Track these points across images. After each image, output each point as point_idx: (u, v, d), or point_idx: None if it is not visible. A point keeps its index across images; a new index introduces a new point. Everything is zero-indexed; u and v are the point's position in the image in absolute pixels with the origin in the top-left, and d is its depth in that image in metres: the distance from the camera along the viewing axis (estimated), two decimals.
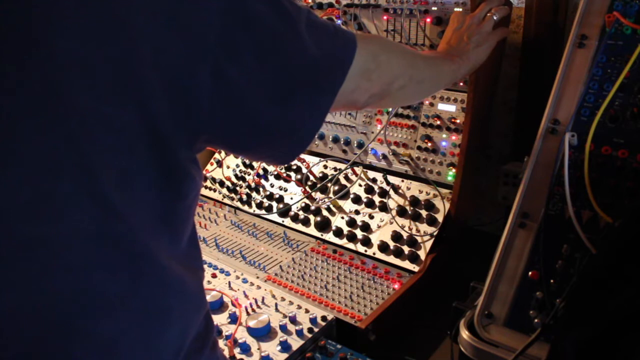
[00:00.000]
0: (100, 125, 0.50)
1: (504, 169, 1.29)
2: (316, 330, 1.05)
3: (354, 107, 0.93)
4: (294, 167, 1.56)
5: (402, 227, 1.30)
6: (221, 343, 1.03)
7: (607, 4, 0.96)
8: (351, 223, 1.38)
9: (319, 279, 1.25)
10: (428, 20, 1.25)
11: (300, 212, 1.48)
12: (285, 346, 1.01)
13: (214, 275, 1.26)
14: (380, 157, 1.43)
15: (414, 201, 1.32)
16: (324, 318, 1.09)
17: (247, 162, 1.67)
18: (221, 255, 1.38)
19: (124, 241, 0.54)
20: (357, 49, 0.69)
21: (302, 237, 1.44)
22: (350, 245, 1.36)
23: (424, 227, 1.29)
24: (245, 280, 1.24)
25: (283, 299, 1.15)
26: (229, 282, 1.22)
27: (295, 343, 1.03)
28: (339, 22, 1.41)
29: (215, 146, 0.66)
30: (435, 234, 1.27)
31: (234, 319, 1.10)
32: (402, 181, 1.38)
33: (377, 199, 1.39)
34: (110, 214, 0.52)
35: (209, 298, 1.14)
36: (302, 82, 0.62)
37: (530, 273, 0.89)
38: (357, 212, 1.40)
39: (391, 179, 1.39)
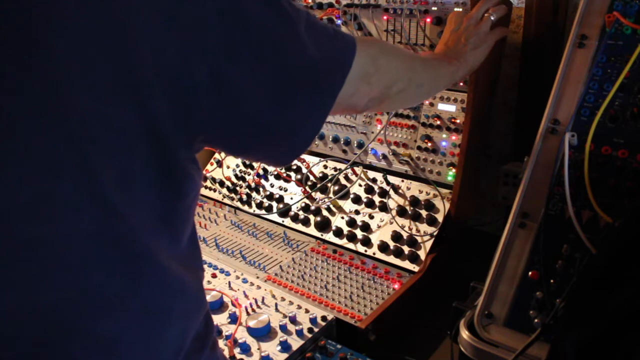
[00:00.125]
0: (100, 125, 0.50)
1: (504, 169, 1.29)
2: (316, 330, 1.05)
3: (353, 111, 0.93)
4: (294, 167, 1.56)
5: (402, 227, 1.30)
6: (221, 343, 1.03)
7: (607, 4, 0.96)
8: (351, 223, 1.38)
9: (319, 279, 1.25)
10: (428, 20, 1.25)
11: (300, 212, 1.48)
12: (285, 346, 1.01)
13: (214, 275, 1.26)
14: (380, 157, 1.43)
15: (414, 201, 1.32)
16: (324, 318, 1.09)
17: (247, 162, 1.67)
18: (221, 255, 1.38)
19: (124, 241, 0.54)
20: (357, 51, 0.69)
21: (302, 237, 1.44)
22: (350, 245, 1.36)
23: (424, 227, 1.29)
24: (245, 280, 1.24)
25: (283, 299, 1.15)
26: (229, 282, 1.22)
27: (295, 343, 1.03)
28: (339, 22, 1.41)
29: (214, 146, 0.66)
30: (435, 234, 1.27)
31: (234, 319, 1.10)
32: (402, 181, 1.38)
33: (377, 199, 1.39)
34: (110, 214, 0.52)
35: (209, 298, 1.14)
36: (301, 83, 0.62)
37: (530, 273, 0.89)
38: (357, 212, 1.40)
39: (391, 179, 1.39)
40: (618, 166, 0.89)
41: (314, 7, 1.44)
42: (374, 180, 1.42)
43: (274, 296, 1.17)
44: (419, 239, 1.28)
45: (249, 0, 0.56)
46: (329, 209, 1.45)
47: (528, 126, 1.09)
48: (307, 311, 1.11)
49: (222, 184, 1.68)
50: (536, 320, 0.85)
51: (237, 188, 1.64)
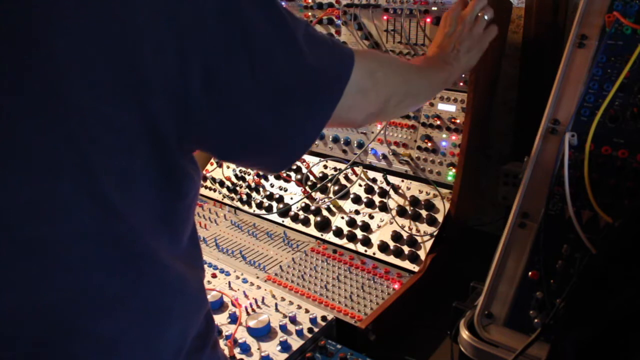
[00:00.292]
0: (100, 125, 0.50)
1: (504, 169, 1.29)
2: (316, 330, 1.05)
3: (351, 125, 0.93)
4: (294, 167, 1.56)
5: (402, 227, 1.30)
6: (221, 343, 1.03)
7: (607, 4, 0.96)
8: (351, 223, 1.38)
9: (319, 279, 1.25)
10: (428, 20, 1.25)
11: (300, 212, 1.48)
12: (285, 346, 1.01)
13: (214, 275, 1.26)
14: (380, 157, 1.43)
15: (414, 201, 1.32)
16: (324, 318, 1.09)
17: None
18: (221, 255, 1.38)
19: (124, 241, 0.54)
20: (355, 64, 0.68)
21: (302, 237, 1.44)
22: (350, 245, 1.36)
23: (424, 227, 1.29)
24: (245, 280, 1.24)
25: (283, 299, 1.15)
26: (229, 282, 1.22)
27: (295, 343, 1.03)
28: (339, 22, 1.41)
29: (208, 151, 0.64)
30: (435, 234, 1.27)
31: (234, 319, 1.10)
32: (402, 181, 1.38)
33: (377, 199, 1.39)
34: (110, 214, 0.52)
35: (209, 298, 1.13)
36: (298, 92, 0.61)
37: (530, 273, 0.89)
38: (357, 212, 1.40)
39: (391, 179, 1.39)
40: (618, 166, 0.89)
41: (314, 7, 1.44)
42: (374, 180, 1.42)
43: (274, 296, 1.17)
44: (419, 239, 1.28)
45: (249, 4, 0.56)
46: (329, 209, 1.45)
47: (528, 126, 1.09)
48: (307, 311, 1.11)
49: (222, 184, 1.68)
50: (536, 320, 0.85)
51: (237, 188, 1.64)
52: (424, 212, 1.31)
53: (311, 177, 1.51)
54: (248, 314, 1.11)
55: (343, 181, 1.47)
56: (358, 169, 1.44)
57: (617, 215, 0.84)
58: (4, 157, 0.48)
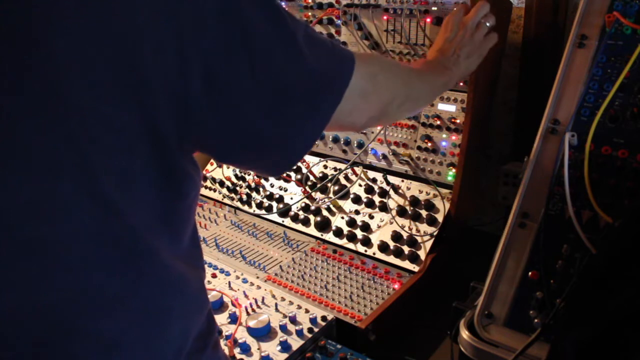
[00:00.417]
0: (100, 125, 0.50)
1: (504, 169, 1.29)
2: (316, 330, 1.05)
3: (352, 129, 0.93)
4: (294, 167, 1.56)
5: (402, 227, 1.30)
6: (221, 343, 1.03)
7: (607, 4, 0.96)
8: (351, 223, 1.38)
9: (319, 279, 1.25)
10: (428, 20, 1.25)
11: (300, 212, 1.48)
12: (285, 346, 1.01)
13: (214, 275, 1.26)
14: (380, 157, 1.43)
15: (414, 201, 1.32)
16: (324, 318, 1.09)
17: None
18: (221, 255, 1.38)
19: (124, 241, 0.54)
20: (356, 67, 0.67)
21: (302, 237, 1.44)
22: (350, 245, 1.36)
23: (424, 227, 1.29)
24: (245, 280, 1.24)
25: (283, 299, 1.15)
26: (229, 282, 1.22)
27: (295, 343, 1.03)
28: (339, 22, 1.41)
29: (208, 152, 0.64)
30: (435, 234, 1.27)
31: (234, 319, 1.10)
32: (402, 181, 1.38)
33: (377, 199, 1.39)
34: (110, 214, 0.52)
35: (209, 298, 1.14)
36: (297, 94, 0.61)
37: (530, 273, 0.89)
38: (357, 212, 1.40)
39: (391, 179, 1.39)
40: (618, 166, 0.89)
41: (314, 7, 1.44)
42: (374, 180, 1.42)
43: (274, 296, 1.17)
44: (419, 239, 1.28)
45: (249, 4, 0.56)
46: (329, 209, 1.45)
47: (528, 126, 1.09)
48: (307, 311, 1.11)
49: (222, 184, 1.68)
50: (536, 320, 0.85)
51: (237, 188, 1.64)
52: (424, 212, 1.31)
53: (311, 177, 1.51)
54: (248, 314, 1.11)
55: (343, 181, 1.47)
56: (358, 169, 1.44)
57: (617, 215, 0.84)
58: (4, 157, 0.48)
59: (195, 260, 0.67)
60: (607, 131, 0.91)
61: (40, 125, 0.48)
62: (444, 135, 1.32)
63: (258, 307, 1.14)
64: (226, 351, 1.01)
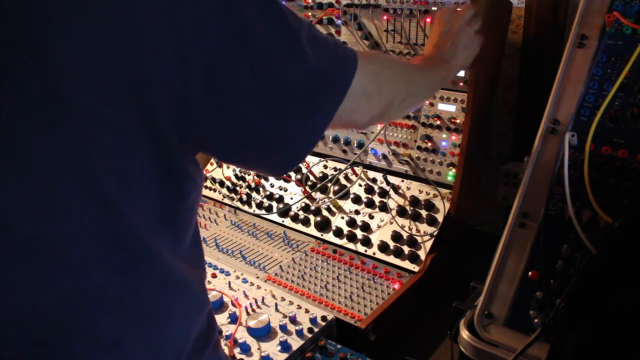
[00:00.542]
0: (100, 125, 0.50)
1: (504, 169, 1.29)
2: (316, 330, 1.05)
3: (355, 127, 0.93)
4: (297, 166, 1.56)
5: (402, 227, 1.30)
6: (221, 343, 1.03)
7: (607, 4, 0.96)
8: (351, 223, 1.38)
9: (319, 279, 1.25)
10: (428, 20, 1.25)
11: (300, 212, 1.48)
12: (285, 346, 1.01)
13: (214, 275, 1.26)
14: (380, 157, 1.43)
15: (414, 201, 1.32)
16: (324, 318, 1.09)
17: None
18: (221, 255, 1.38)
19: (124, 241, 0.54)
20: (358, 66, 0.67)
21: (302, 237, 1.44)
22: (350, 245, 1.36)
23: (424, 227, 1.29)
24: (245, 280, 1.24)
25: (283, 299, 1.15)
26: (229, 282, 1.22)
27: (295, 343, 1.03)
28: (339, 22, 1.41)
29: (209, 152, 0.64)
30: (435, 234, 1.27)
31: (234, 319, 1.10)
32: (402, 181, 1.38)
33: (377, 199, 1.39)
34: (110, 214, 0.52)
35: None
36: (299, 93, 0.61)
37: (530, 273, 0.89)
38: (357, 212, 1.40)
39: (391, 179, 1.39)
40: (618, 166, 0.89)
41: (314, 7, 1.44)
42: (374, 180, 1.42)
43: (274, 296, 1.17)
44: (419, 239, 1.28)
45: (249, 4, 0.56)
46: (329, 209, 1.45)
47: (528, 126, 1.09)
48: (307, 311, 1.11)
49: (222, 184, 1.68)
50: (536, 320, 0.85)
51: (237, 188, 1.64)
52: (424, 212, 1.31)
53: (311, 177, 1.51)
54: (248, 314, 1.11)
55: (343, 181, 1.47)
56: (358, 169, 1.44)
57: (617, 215, 0.84)
58: (4, 157, 0.48)
59: (196, 261, 0.67)
60: (607, 131, 0.91)
61: (40, 125, 0.48)
62: (444, 135, 1.32)
63: (258, 307, 1.14)
64: (226, 351, 1.01)
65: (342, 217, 1.41)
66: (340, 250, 1.36)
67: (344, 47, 0.69)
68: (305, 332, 1.05)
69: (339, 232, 1.38)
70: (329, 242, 1.40)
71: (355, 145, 1.49)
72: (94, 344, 0.55)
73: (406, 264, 1.26)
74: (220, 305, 1.14)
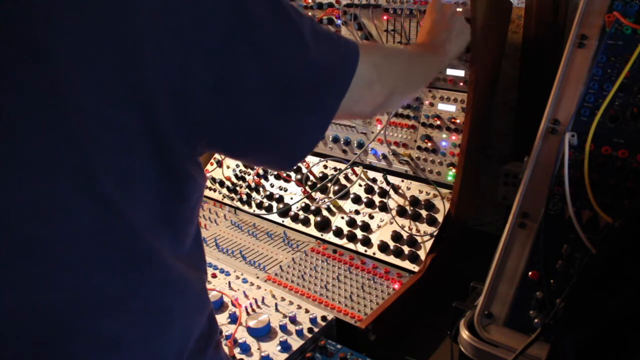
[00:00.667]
0: (100, 125, 0.50)
1: (504, 169, 1.29)
2: (316, 330, 1.05)
3: (360, 117, 0.95)
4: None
5: (402, 227, 1.30)
6: (222, 344, 1.03)
7: (607, 4, 0.96)
8: (351, 223, 1.38)
9: (319, 279, 1.25)
10: None
11: (300, 212, 1.48)
12: (285, 346, 1.01)
13: (214, 275, 1.26)
14: (380, 157, 1.43)
15: (414, 201, 1.32)
16: (324, 318, 1.09)
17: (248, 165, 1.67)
18: (221, 255, 1.38)
19: (124, 241, 0.54)
20: (360, 58, 0.68)
21: (302, 237, 1.44)
22: (350, 245, 1.36)
23: (424, 227, 1.29)
24: (245, 280, 1.24)
25: (283, 299, 1.15)
26: (229, 282, 1.22)
27: (295, 343, 1.03)
28: (339, 22, 1.41)
29: (215, 150, 0.65)
30: (435, 234, 1.27)
31: (234, 319, 1.10)
32: (402, 181, 1.38)
33: (377, 199, 1.39)
34: (110, 214, 0.52)
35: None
36: (304, 89, 0.61)
37: (530, 273, 0.89)
38: (357, 212, 1.40)
39: (391, 179, 1.39)
40: (618, 166, 0.89)
41: (314, 7, 1.44)
42: (374, 180, 1.42)
43: (274, 296, 1.17)
44: (419, 239, 1.28)
45: (253, 3, 0.56)
46: (329, 209, 1.45)
47: (528, 126, 1.09)
48: (307, 311, 1.11)
49: (222, 184, 1.68)
50: (536, 320, 0.85)
51: (237, 188, 1.64)
52: (424, 212, 1.31)
53: (311, 177, 1.51)
54: (248, 314, 1.11)
55: (343, 181, 1.47)
56: (358, 169, 1.44)
57: (617, 215, 0.84)
58: (4, 157, 0.48)
59: (197, 262, 0.67)
60: (607, 131, 0.91)
61: (40, 125, 0.48)
62: (444, 135, 1.32)
63: (258, 307, 1.14)
64: (226, 351, 1.01)
65: (342, 217, 1.41)
66: (340, 250, 1.36)
67: (346, 40, 0.70)
68: (305, 332, 1.05)
69: (339, 232, 1.38)
70: (329, 242, 1.40)
71: (355, 145, 1.49)
72: (94, 344, 0.55)
73: (406, 264, 1.26)
74: (220, 305, 1.14)
